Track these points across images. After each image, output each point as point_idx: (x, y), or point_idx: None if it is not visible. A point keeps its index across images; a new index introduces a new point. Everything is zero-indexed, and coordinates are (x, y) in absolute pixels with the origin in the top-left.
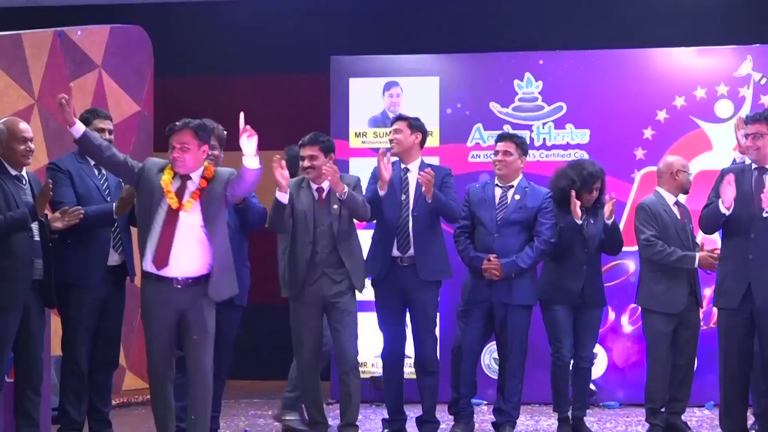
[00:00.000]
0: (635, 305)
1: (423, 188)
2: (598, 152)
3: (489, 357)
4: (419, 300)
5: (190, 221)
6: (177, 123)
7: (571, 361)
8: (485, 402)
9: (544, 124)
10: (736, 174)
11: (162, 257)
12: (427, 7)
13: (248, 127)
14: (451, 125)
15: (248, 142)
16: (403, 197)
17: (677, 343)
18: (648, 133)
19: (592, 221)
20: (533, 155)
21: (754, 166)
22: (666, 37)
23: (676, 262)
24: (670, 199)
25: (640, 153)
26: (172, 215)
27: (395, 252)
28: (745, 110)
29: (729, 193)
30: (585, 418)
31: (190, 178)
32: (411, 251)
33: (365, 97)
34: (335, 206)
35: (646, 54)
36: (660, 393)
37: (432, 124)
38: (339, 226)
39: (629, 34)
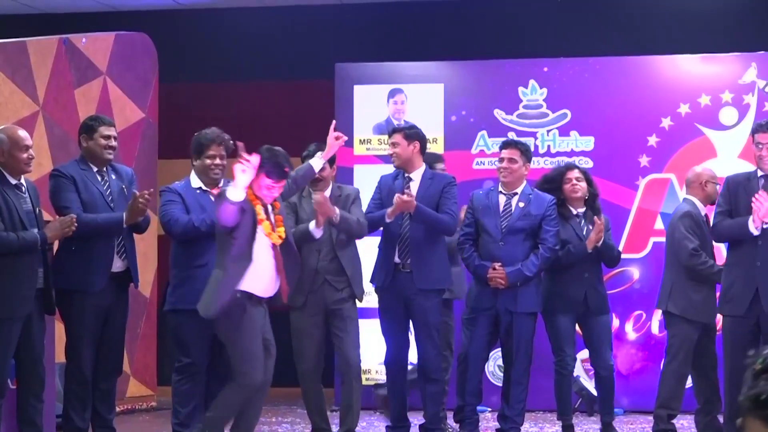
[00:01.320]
0: (640, 312)
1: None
2: (602, 159)
3: (493, 364)
4: (419, 307)
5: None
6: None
7: (574, 369)
8: (489, 409)
9: (548, 131)
10: (742, 182)
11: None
12: (432, 15)
13: (246, 160)
14: (455, 132)
15: (241, 175)
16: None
17: (707, 350)
18: (652, 140)
19: (591, 227)
20: (538, 162)
21: (760, 173)
22: (670, 44)
23: (716, 275)
24: (702, 209)
25: (644, 160)
26: (273, 246)
27: (397, 259)
28: (750, 118)
29: (763, 212)
30: (588, 426)
31: (269, 206)
32: (410, 259)
33: (370, 104)
34: (335, 215)
35: (650, 61)
36: (678, 399)
37: (436, 131)
38: (339, 234)
39: (633, 41)
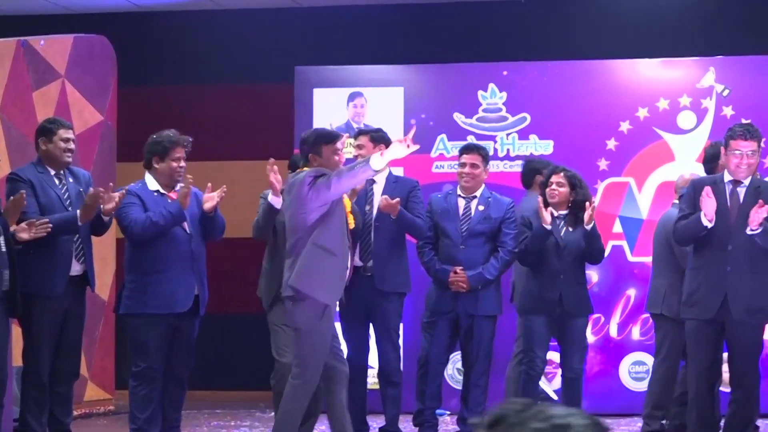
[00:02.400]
0: (598, 315)
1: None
2: (561, 163)
3: (452, 367)
4: (380, 310)
5: None
6: None
7: (543, 371)
8: (448, 412)
9: (508, 134)
10: (709, 186)
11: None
12: (392, 18)
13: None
14: (415, 136)
15: (399, 148)
16: (368, 208)
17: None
18: (611, 144)
19: (570, 230)
20: (497, 166)
21: (727, 178)
22: (629, 49)
23: None
24: None
25: (603, 164)
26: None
27: (357, 261)
28: (708, 122)
29: (710, 205)
30: None
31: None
32: (372, 262)
33: (329, 107)
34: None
35: (609, 65)
36: (669, 399)
37: (396, 135)
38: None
39: (593, 46)
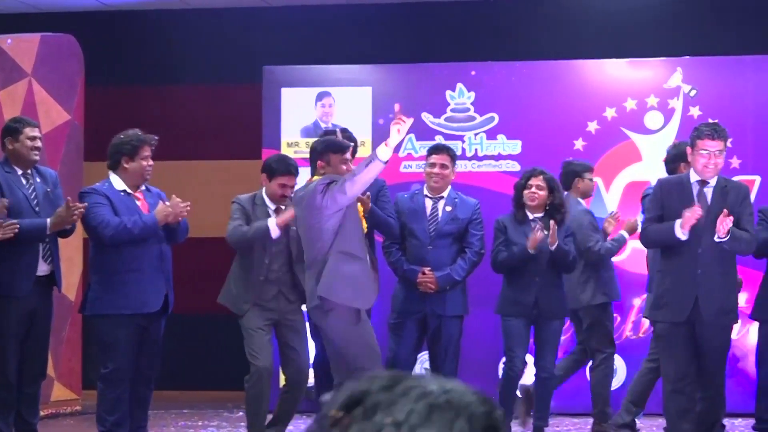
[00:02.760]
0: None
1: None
2: (529, 163)
3: (420, 368)
4: None
5: None
6: None
7: (523, 372)
8: None
9: (476, 134)
10: (675, 187)
11: None
12: (359, 18)
13: (403, 120)
14: (383, 135)
15: (396, 134)
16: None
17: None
18: (579, 144)
19: (546, 233)
20: (465, 166)
21: (694, 178)
22: (597, 49)
23: None
24: None
25: None
26: None
27: None
28: (675, 122)
29: (692, 219)
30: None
31: None
32: None
33: (297, 107)
34: (293, 228)
35: (577, 65)
36: (647, 397)
37: (364, 135)
38: (297, 246)
39: (560, 46)
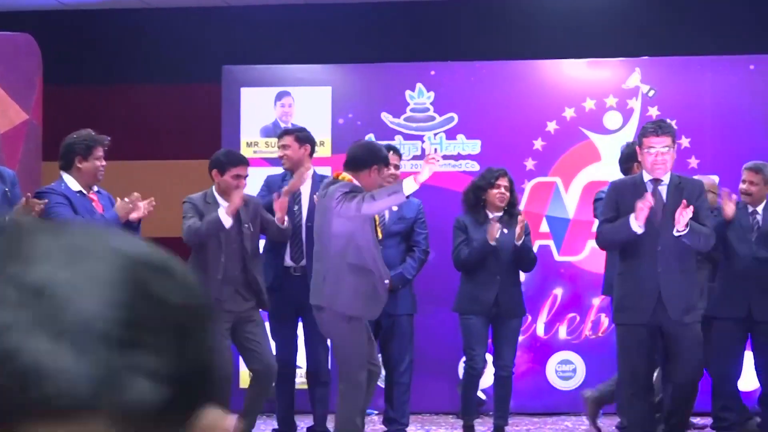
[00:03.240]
0: (526, 315)
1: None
2: (488, 163)
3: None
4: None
5: None
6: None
7: (484, 370)
8: (376, 412)
9: (435, 134)
10: (630, 188)
11: None
12: (319, 18)
13: (435, 158)
14: (342, 135)
15: (428, 171)
16: (296, 208)
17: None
18: (538, 144)
19: (505, 231)
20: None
21: (647, 178)
22: (556, 49)
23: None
24: None
25: (530, 164)
26: None
27: (288, 262)
28: (634, 122)
29: (645, 209)
30: (479, 428)
31: None
32: (304, 261)
33: (257, 106)
34: (246, 225)
35: (536, 66)
36: None
37: (324, 134)
38: (251, 244)
39: (520, 46)
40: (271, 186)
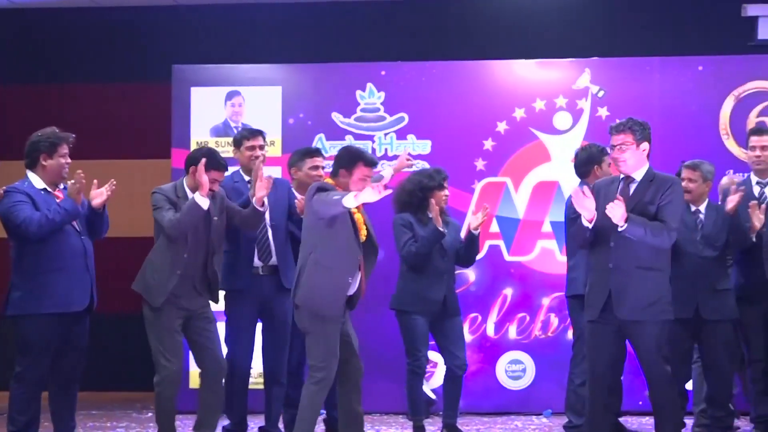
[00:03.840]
0: (476, 314)
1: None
2: (439, 163)
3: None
4: (280, 308)
5: None
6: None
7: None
8: (326, 412)
9: (386, 134)
10: (604, 187)
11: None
12: (269, 17)
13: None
14: (293, 135)
15: (371, 193)
16: (261, 208)
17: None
18: (488, 144)
19: (446, 230)
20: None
21: (622, 176)
22: (506, 50)
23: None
24: None
25: (480, 164)
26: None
27: (256, 262)
28: (583, 122)
29: (587, 205)
30: (429, 428)
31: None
32: (273, 260)
33: (207, 106)
34: (215, 218)
35: (486, 66)
36: None
37: (274, 134)
38: (218, 236)
39: (470, 46)
40: (225, 187)
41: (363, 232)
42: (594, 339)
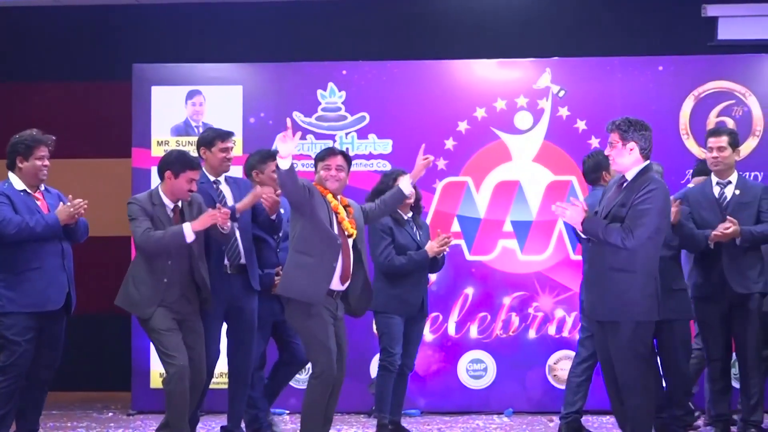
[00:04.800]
0: (437, 314)
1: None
2: (400, 162)
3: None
4: (247, 307)
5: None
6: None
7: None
8: (288, 411)
9: (347, 134)
10: (609, 186)
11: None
12: (230, 17)
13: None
14: (254, 134)
15: (281, 143)
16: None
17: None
18: (449, 143)
19: (420, 233)
20: None
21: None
22: (467, 49)
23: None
24: None
25: (441, 163)
26: (344, 237)
27: (225, 261)
28: (544, 122)
29: (571, 214)
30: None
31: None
32: (242, 260)
33: (168, 105)
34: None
35: (447, 65)
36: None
37: (235, 134)
38: (198, 244)
39: (431, 46)
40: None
41: (348, 226)
42: (596, 337)
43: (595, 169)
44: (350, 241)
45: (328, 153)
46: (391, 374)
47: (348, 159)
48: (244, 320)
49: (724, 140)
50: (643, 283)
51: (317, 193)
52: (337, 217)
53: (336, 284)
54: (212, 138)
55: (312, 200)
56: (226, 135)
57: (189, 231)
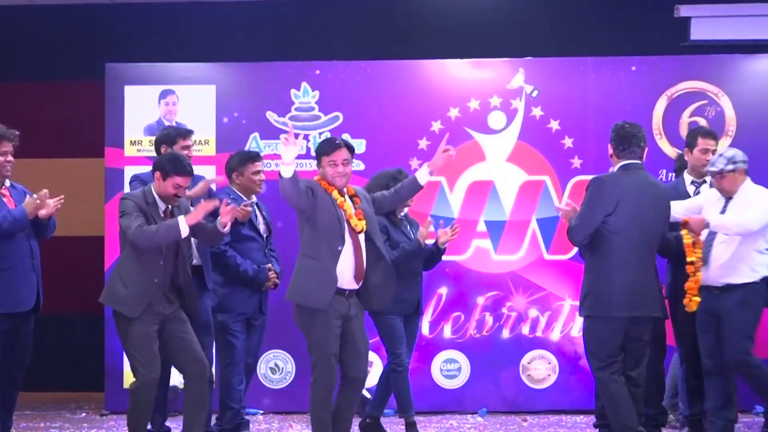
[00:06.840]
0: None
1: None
2: (374, 162)
3: (266, 367)
4: (201, 306)
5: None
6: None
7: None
8: (261, 411)
9: (320, 133)
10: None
11: (360, 274)
12: (204, 16)
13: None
14: (227, 134)
15: (284, 149)
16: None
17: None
18: (423, 143)
19: (413, 230)
20: (309, 165)
21: None
22: (440, 49)
23: None
24: None
25: (415, 163)
26: (355, 234)
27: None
28: (518, 122)
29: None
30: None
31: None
32: (195, 260)
33: (141, 105)
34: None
35: (421, 65)
36: None
37: (208, 133)
38: (186, 245)
39: (404, 46)
40: (147, 182)
41: (356, 222)
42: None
43: (681, 168)
44: (361, 237)
45: (333, 147)
46: (401, 374)
47: (351, 149)
48: (200, 319)
49: (716, 144)
50: (596, 277)
51: (321, 193)
52: (338, 209)
53: (349, 283)
54: (174, 136)
55: (316, 202)
56: (187, 133)
57: (184, 225)
